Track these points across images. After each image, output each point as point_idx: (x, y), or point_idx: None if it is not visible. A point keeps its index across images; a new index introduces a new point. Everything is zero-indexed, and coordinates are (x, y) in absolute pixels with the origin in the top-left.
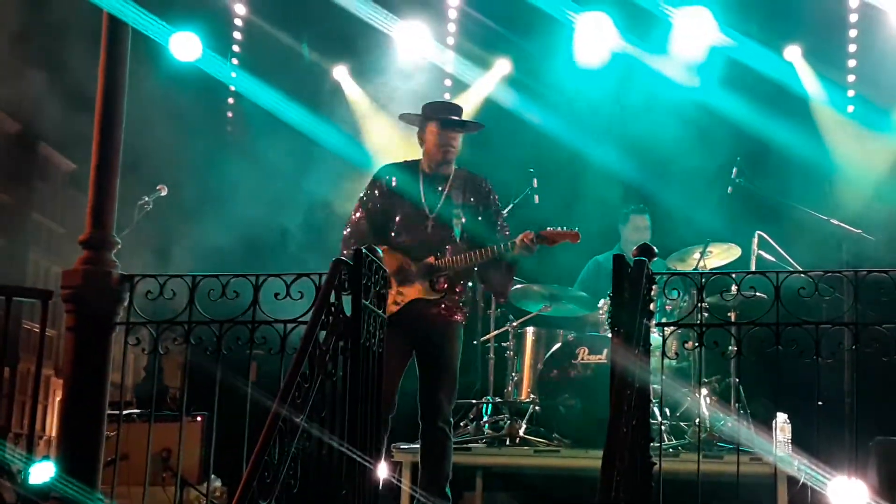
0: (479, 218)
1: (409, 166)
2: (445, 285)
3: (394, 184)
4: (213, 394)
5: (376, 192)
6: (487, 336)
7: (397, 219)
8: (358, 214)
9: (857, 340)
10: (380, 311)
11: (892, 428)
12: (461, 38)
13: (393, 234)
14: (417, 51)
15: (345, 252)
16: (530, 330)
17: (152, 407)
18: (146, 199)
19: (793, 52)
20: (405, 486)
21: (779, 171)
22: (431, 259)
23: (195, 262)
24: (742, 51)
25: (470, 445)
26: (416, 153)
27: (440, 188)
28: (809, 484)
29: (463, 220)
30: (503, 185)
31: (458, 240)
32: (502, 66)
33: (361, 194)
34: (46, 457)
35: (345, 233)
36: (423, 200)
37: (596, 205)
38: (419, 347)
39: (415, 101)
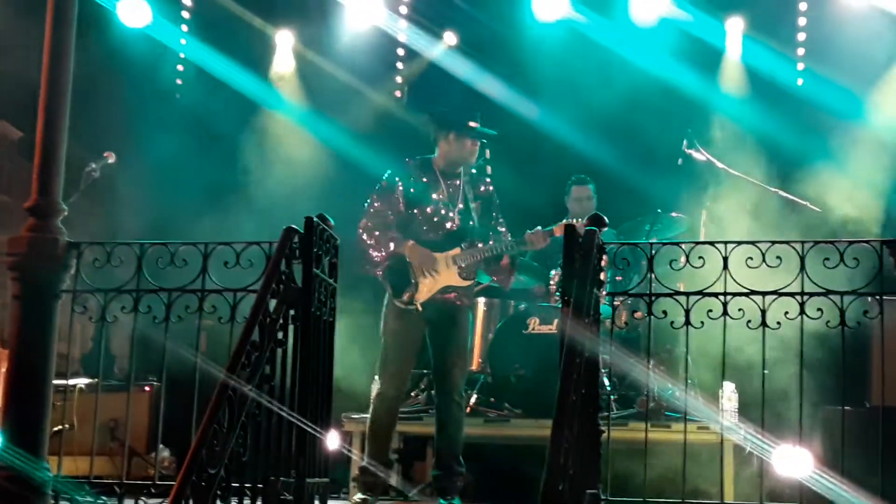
0: (485, 211)
1: (423, 165)
2: (473, 274)
3: (412, 191)
4: (162, 363)
5: (397, 197)
6: None
7: (421, 217)
8: (378, 206)
9: (802, 310)
10: (331, 280)
11: (837, 397)
12: (414, 6)
13: (419, 230)
14: (368, 18)
15: (369, 241)
16: (481, 301)
17: (99, 376)
18: (93, 165)
19: (735, 24)
20: (355, 454)
21: (728, 144)
22: (458, 251)
23: (143, 230)
24: (694, 23)
25: (421, 415)
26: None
27: (457, 183)
28: (755, 452)
29: (476, 214)
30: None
31: (475, 232)
32: (454, 35)
33: (377, 200)
34: None
35: (367, 224)
36: (443, 198)
37: (547, 176)
38: (435, 329)
39: (363, 69)
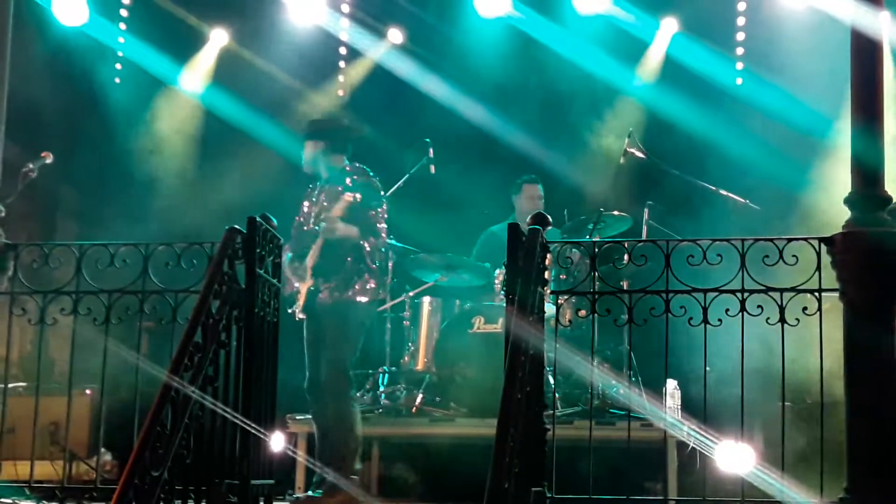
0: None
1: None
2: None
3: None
4: (102, 366)
5: None
6: (384, 306)
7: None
8: None
9: (742, 307)
10: (274, 281)
11: (777, 393)
12: (356, 4)
13: None
14: (308, 16)
15: None
16: (426, 300)
17: (37, 380)
18: (31, 166)
19: (669, 24)
20: (301, 456)
21: (669, 143)
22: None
23: (82, 231)
24: (635, 22)
25: (367, 416)
26: None
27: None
28: (698, 448)
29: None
30: (399, 155)
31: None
32: (397, 33)
33: None
34: None
35: None
36: (311, 204)
37: (492, 175)
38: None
39: (304, 68)
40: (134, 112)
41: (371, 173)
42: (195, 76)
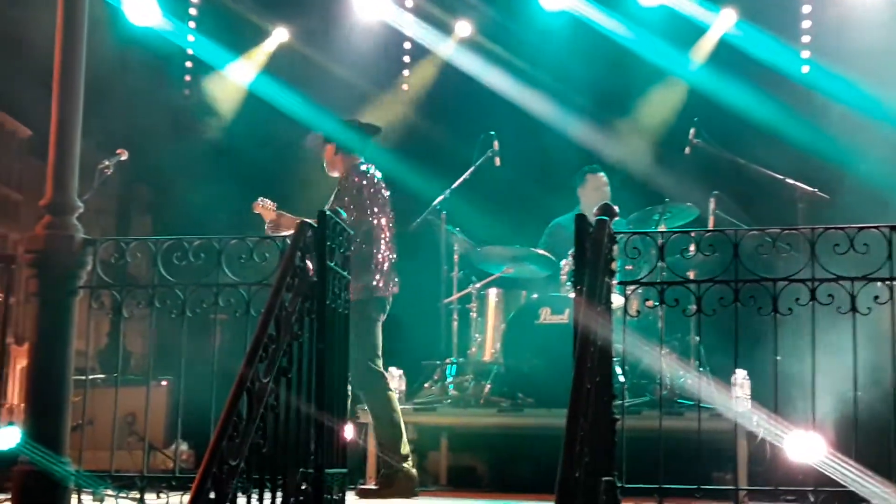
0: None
1: None
2: None
3: None
4: (177, 358)
5: None
6: (450, 298)
7: None
8: None
9: (813, 296)
10: (344, 273)
11: (847, 382)
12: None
13: None
14: (373, 12)
15: None
16: (493, 291)
17: (118, 371)
18: (106, 163)
19: (730, 13)
20: (371, 446)
21: (733, 133)
22: None
23: (155, 226)
24: (694, 11)
25: (435, 406)
26: None
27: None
28: (768, 438)
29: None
30: (464, 149)
31: None
32: (464, 27)
33: None
34: (11, 423)
35: None
36: None
37: (556, 166)
38: None
39: (368, 64)
40: (203, 109)
41: (369, 172)
42: (252, 68)
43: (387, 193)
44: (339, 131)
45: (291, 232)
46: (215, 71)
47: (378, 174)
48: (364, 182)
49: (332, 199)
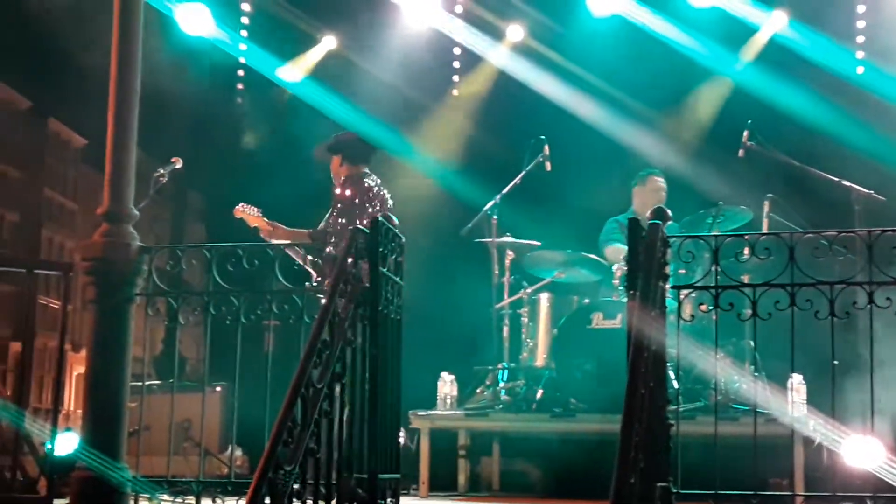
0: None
1: None
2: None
3: None
4: (230, 363)
5: None
6: (502, 303)
7: None
8: None
9: (871, 299)
10: (397, 279)
11: None
12: (471, 4)
13: None
14: (422, 18)
15: None
16: (544, 296)
17: (174, 377)
18: (161, 171)
19: (782, 14)
20: (424, 451)
21: (787, 134)
22: None
23: (209, 233)
24: (746, 13)
25: (487, 412)
26: None
27: None
28: (825, 444)
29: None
30: (514, 153)
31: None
32: (514, 31)
33: None
34: (69, 429)
35: None
36: None
37: (607, 170)
38: None
39: (416, 73)
40: (255, 117)
41: (367, 183)
42: (303, 75)
43: (390, 203)
44: (345, 143)
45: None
46: (267, 79)
47: (378, 186)
48: (357, 194)
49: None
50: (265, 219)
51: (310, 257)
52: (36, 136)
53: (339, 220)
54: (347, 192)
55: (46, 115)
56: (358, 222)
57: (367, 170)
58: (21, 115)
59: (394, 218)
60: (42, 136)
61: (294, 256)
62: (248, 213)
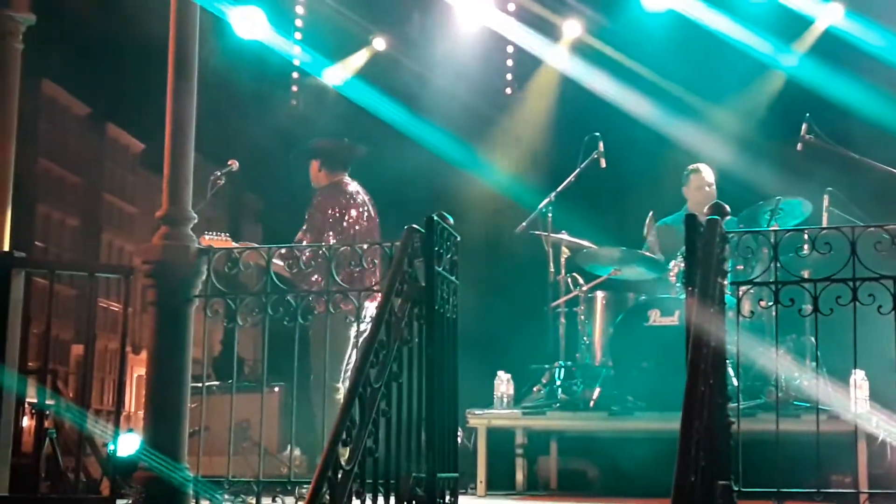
0: None
1: None
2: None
3: None
4: (287, 364)
5: None
6: (558, 301)
7: None
8: None
9: None
10: (452, 278)
11: None
12: (525, 2)
13: None
14: (476, 17)
15: None
16: (600, 294)
17: (234, 378)
18: (218, 173)
19: (836, 8)
20: (481, 450)
21: (845, 127)
22: None
23: (266, 234)
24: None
25: (544, 410)
26: None
27: None
28: (889, 440)
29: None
30: (570, 150)
31: None
32: (571, 27)
33: None
34: (131, 430)
35: None
36: None
37: (662, 166)
38: None
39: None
40: (309, 119)
41: (350, 189)
42: (358, 78)
43: (370, 211)
44: (323, 149)
45: None
46: (321, 82)
47: (359, 193)
48: (340, 200)
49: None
50: (232, 242)
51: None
52: (95, 142)
53: (308, 234)
54: (318, 201)
55: (105, 121)
56: (331, 234)
57: (346, 177)
58: (80, 121)
59: (449, 217)
60: (101, 141)
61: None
62: (215, 240)
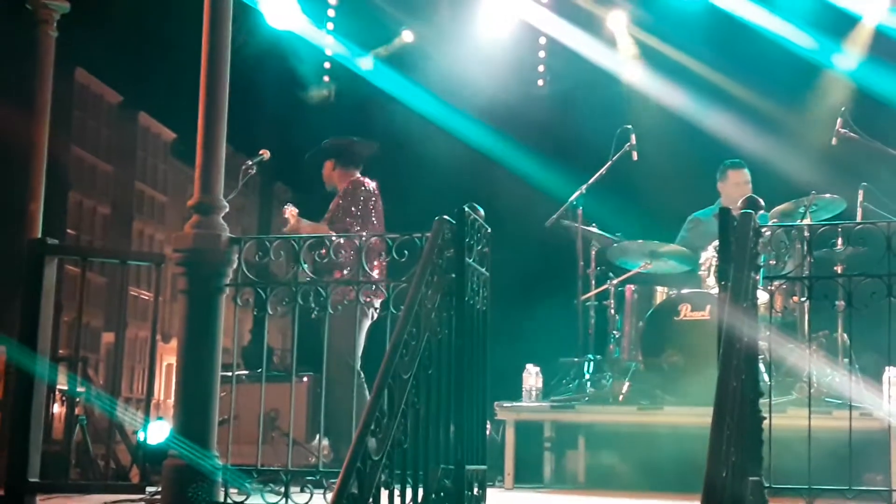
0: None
1: None
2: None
3: None
4: (316, 354)
5: None
6: (588, 295)
7: None
8: None
9: None
10: (482, 269)
11: None
12: None
13: None
14: (508, 8)
15: None
16: (630, 288)
17: (263, 367)
18: (249, 163)
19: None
20: (509, 443)
21: (882, 122)
22: None
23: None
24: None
25: (573, 404)
26: None
27: None
28: None
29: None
30: (601, 143)
31: None
32: (615, 18)
33: None
34: (160, 418)
35: None
36: None
37: (695, 160)
38: None
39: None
40: (356, 109)
41: (362, 186)
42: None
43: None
44: (336, 148)
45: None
46: (352, 72)
47: (374, 187)
48: (366, 195)
49: (332, 211)
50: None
51: None
52: (127, 131)
53: (356, 222)
54: (358, 193)
55: (137, 110)
56: (358, 229)
57: (359, 174)
58: (112, 110)
59: (479, 208)
60: (133, 130)
61: None
62: (293, 213)
